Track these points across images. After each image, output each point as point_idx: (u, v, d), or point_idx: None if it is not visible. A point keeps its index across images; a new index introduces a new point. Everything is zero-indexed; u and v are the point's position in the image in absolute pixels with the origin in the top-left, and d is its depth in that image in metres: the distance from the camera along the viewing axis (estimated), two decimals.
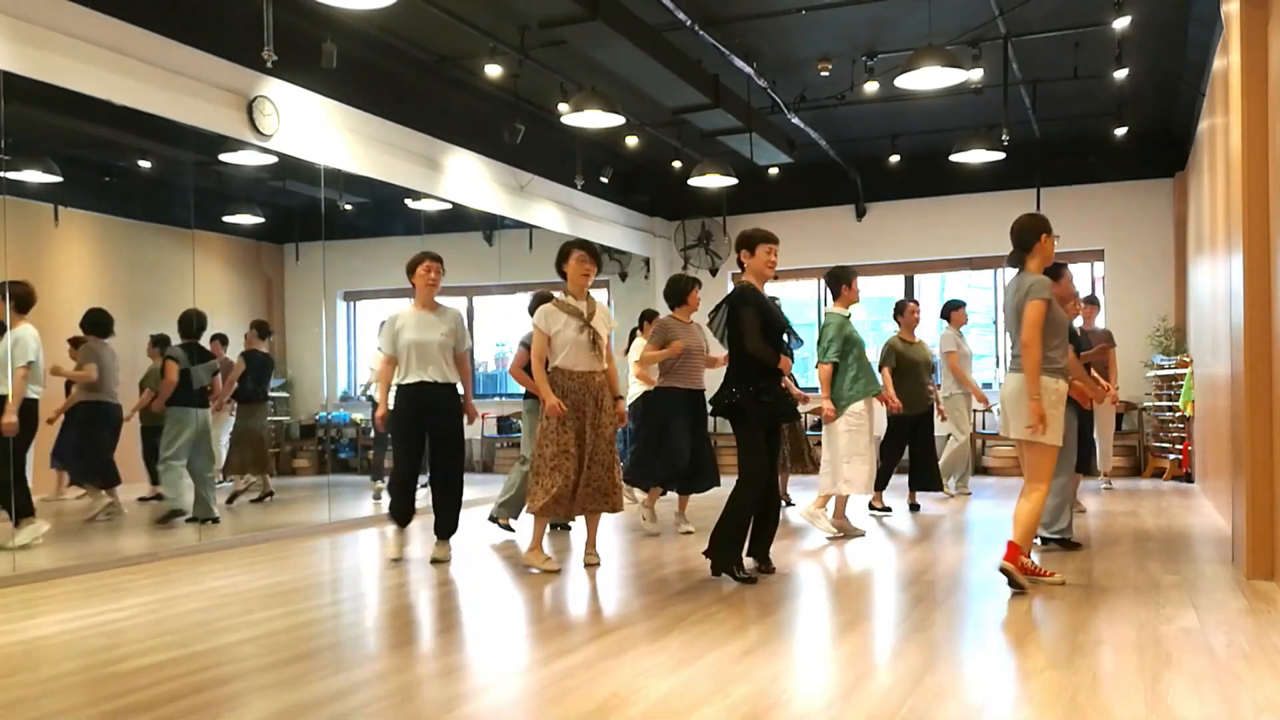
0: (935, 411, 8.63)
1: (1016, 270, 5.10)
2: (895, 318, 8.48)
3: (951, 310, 9.45)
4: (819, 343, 6.92)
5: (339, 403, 12.41)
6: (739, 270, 5.54)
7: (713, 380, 6.29)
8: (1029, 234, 5.05)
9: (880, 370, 7.84)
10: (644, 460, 7.17)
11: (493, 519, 7.38)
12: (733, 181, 10.24)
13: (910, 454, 8.40)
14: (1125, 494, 9.53)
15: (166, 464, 7.66)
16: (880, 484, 8.01)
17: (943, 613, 4.58)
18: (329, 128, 8.09)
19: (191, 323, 7.94)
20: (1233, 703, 3.16)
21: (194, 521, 7.59)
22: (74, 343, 7.80)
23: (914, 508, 8.40)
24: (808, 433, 8.96)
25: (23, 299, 6.72)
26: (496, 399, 13.06)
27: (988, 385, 12.42)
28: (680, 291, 7.16)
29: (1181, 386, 10.33)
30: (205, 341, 8.21)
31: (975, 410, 10.05)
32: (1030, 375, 4.83)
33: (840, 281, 7.01)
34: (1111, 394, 8.25)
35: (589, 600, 5.19)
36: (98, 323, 7.67)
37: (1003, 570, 4.92)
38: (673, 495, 7.53)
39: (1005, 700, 3.26)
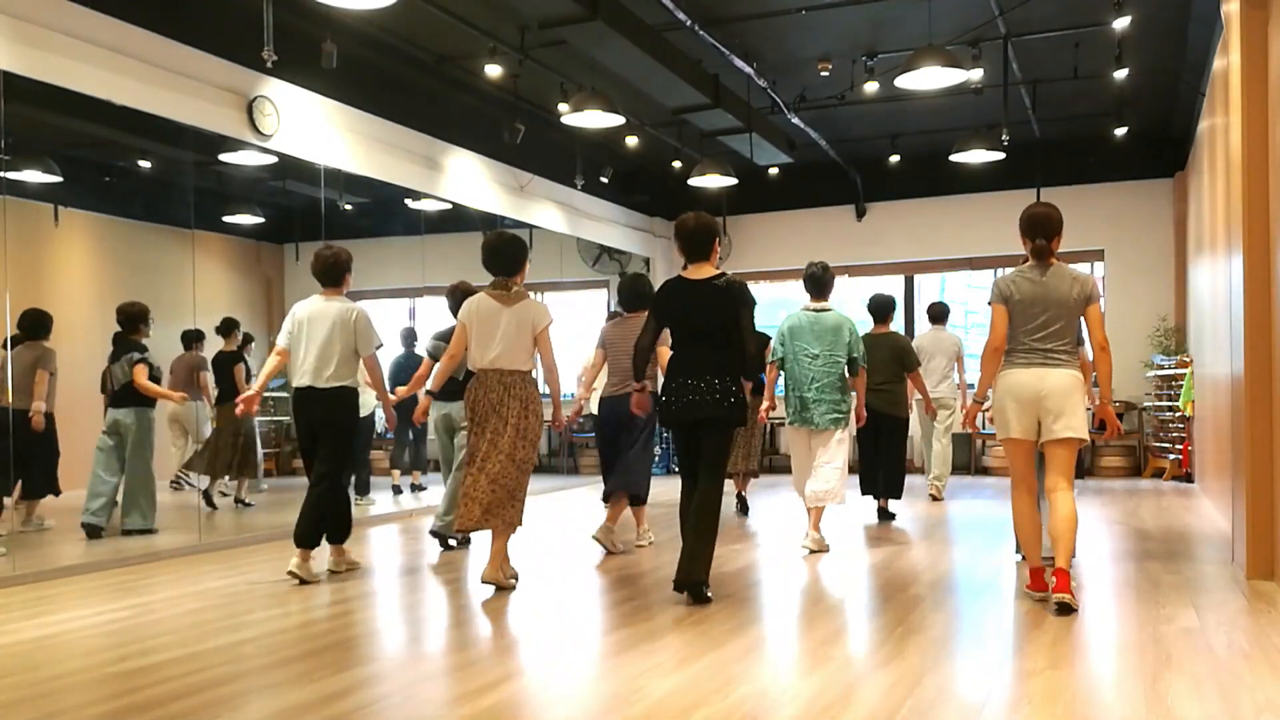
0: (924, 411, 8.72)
1: (1039, 261, 4.70)
2: (887, 316, 7.86)
3: (947, 313, 9.46)
4: (853, 348, 6.49)
5: None
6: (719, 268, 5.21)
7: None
8: (1057, 223, 4.71)
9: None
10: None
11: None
12: (733, 181, 10.24)
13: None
14: (1125, 494, 9.52)
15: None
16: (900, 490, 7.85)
17: (942, 613, 4.57)
18: (329, 128, 8.09)
19: (125, 316, 7.55)
20: (1233, 703, 3.16)
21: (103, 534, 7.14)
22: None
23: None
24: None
25: None
26: None
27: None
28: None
29: (1181, 386, 10.33)
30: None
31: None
32: (1108, 379, 4.71)
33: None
34: None
35: (589, 601, 5.18)
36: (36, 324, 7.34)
37: (1063, 604, 4.46)
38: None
39: (1005, 700, 3.25)
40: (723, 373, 4.92)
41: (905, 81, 7.51)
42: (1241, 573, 5.25)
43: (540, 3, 7.14)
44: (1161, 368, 11.00)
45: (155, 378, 7.45)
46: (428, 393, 5.97)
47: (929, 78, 7.41)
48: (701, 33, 7.98)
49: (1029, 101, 10.06)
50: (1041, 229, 4.69)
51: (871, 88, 9.05)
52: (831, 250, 12.91)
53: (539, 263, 12.05)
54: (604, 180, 11.64)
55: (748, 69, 8.81)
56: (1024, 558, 5.00)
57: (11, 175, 7.38)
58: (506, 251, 5.40)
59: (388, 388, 6.20)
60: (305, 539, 5.61)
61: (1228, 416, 6.21)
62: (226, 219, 11.46)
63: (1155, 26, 8.28)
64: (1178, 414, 10.50)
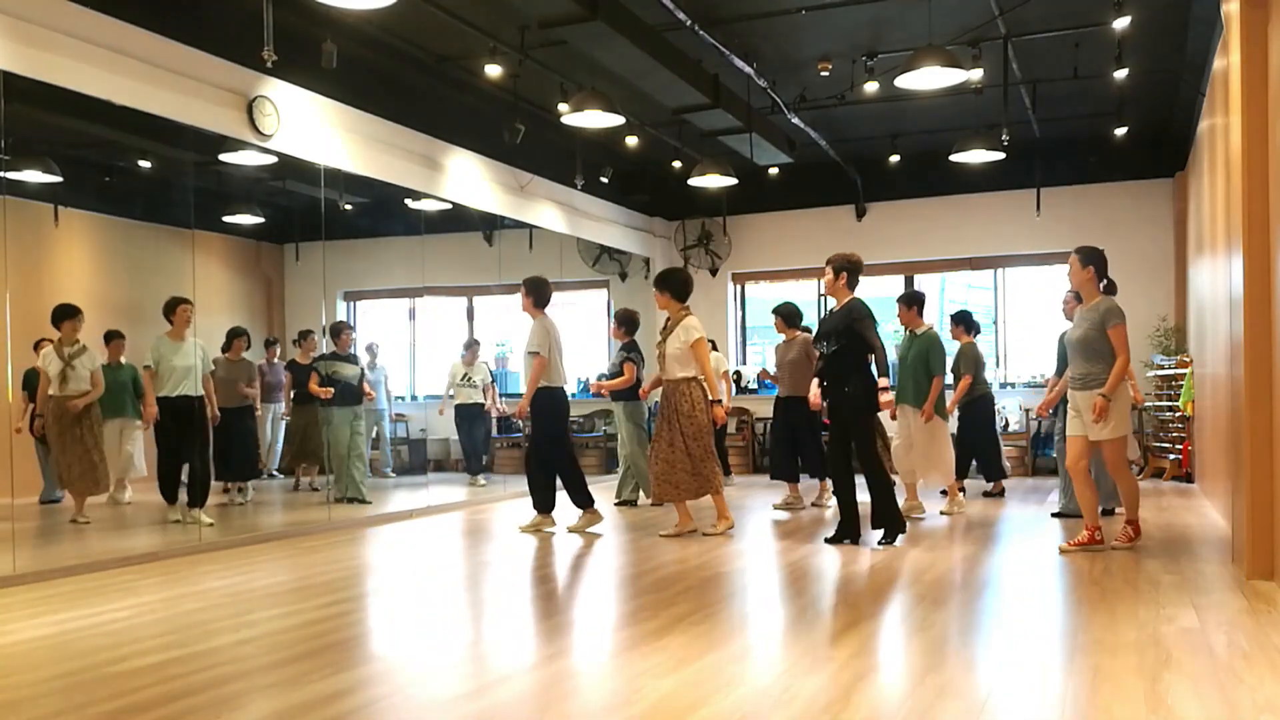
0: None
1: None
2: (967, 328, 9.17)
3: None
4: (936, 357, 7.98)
5: None
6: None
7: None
8: None
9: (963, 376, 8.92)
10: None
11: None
12: (733, 181, 10.23)
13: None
14: None
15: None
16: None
17: (943, 613, 4.58)
18: (329, 128, 8.08)
19: (331, 333, 9.53)
20: (1233, 703, 3.16)
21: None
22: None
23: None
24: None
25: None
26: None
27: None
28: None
29: (1181, 386, 10.32)
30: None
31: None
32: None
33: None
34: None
35: (589, 600, 5.19)
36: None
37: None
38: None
39: (1005, 700, 3.25)
40: None
41: (905, 81, 7.51)
42: (1241, 573, 5.25)
43: (540, 3, 7.13)
44: (1161, 368, 10.99)
45: (325, 382, 9.17)
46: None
47: (929, 78, 7.40)
48: (701, 33, 7.97)
49: (1029, 101, 10.05)
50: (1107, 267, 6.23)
51: (871, 88, 9.04)
52: (831, 250, 12.81)
53: (538, 263, 12.12)
54: (604, 180, 11.63)
55: (748, 69, 8.80)
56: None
57: (11, 175, 7.39)
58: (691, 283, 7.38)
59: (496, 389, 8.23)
60: (584, 502, 7.47)
61: (1228, 416, 6.21)
62: (226, 219, 11.46)
63: (1155, 26, 8.27)
64: (1178, 414, 10.49)
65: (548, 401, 7.39)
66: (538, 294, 7.50)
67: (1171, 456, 10.78)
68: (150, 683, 3.58)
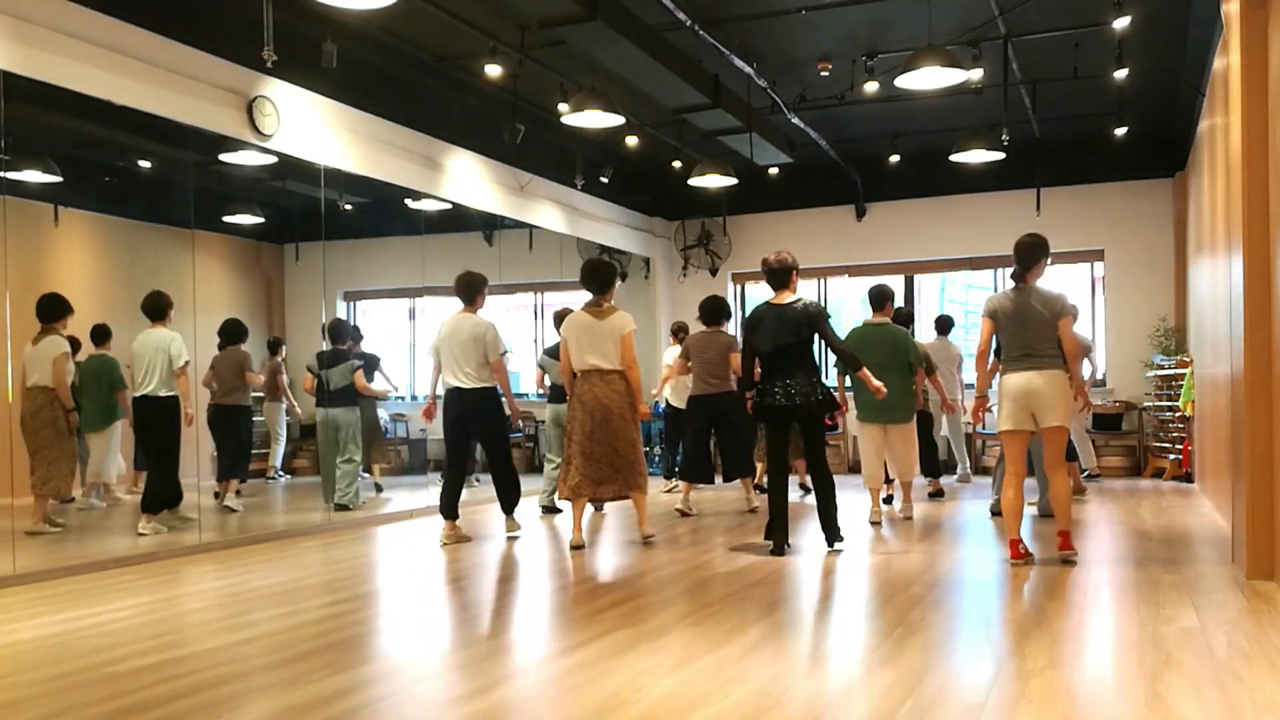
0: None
1: (1022, 283, 5.71)
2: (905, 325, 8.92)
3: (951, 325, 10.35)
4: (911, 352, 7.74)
5: None
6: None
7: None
8: (1031, 252, 5.68)
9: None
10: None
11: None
12: (733, 181, 10.23)
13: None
14: (1125, 494, 9.52)
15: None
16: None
17: (942, 613, 4.58)
18: (329, 128, 8.08)
19: (334, 332, 9.27)
20: (1233, 703, 3.16)
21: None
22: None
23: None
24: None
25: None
26: None
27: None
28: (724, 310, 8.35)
29: (1181, 386, 10.33)
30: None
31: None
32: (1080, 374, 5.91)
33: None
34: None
35: (589, 600, 5.19)
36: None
37: (1066, 558, 5.67)
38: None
39: (1005, 700, 3.25)
40: (805, 376, 6.12)
41: (905, 81, 7.51)
42: (1241, 573, 5.25)
43: (540, 3, 7.13)
44: (1161, 368, 10.99)
45: (322, 382, 8.92)
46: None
47: (929, 78, 7.40)
48: (701, 33, 7.97)
49: (1029, 101, 10.05)
50: (1018, 259, 5.71)
51: (871, 88, 9.04)
52: (831, 250, 12.94)
53: (538, 263, 12.12)
54: (604, 180, 11.63)
55: (748, 69, 8.80)
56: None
57: (11, 175, 7.38)
58: (600, 275, 6.69)
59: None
60: (449, 512, 7.01)
61: (1228, 416, 6.21)
62: (226, 219, 11.45)
63: (1155, 26, 8.27)
64: (1178, 414, 10.49)
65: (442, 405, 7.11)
66: (457, 291, 7.11)
67: (1171, 456, 10.78)
68: (149, 683, 3.58)
